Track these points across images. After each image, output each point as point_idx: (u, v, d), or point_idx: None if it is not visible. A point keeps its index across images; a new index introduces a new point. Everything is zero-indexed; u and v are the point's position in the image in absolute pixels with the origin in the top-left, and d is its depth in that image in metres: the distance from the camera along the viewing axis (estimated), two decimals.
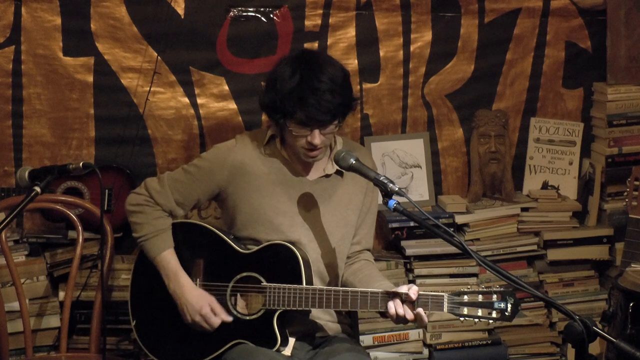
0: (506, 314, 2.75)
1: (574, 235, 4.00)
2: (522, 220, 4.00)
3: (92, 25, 3.76)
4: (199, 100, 3.87)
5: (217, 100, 3.88)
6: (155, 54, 3.78)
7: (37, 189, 2.80)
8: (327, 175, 3.12)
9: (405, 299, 2.82)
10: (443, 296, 2.79)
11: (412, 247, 3.87)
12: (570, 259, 4.01)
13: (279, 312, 2.95)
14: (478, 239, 3.95)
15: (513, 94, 4.07)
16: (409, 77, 3.99)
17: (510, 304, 2.75)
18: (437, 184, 4.07)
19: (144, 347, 3.12)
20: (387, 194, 2.81)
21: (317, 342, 3.10)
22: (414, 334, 3.83)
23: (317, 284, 3.05)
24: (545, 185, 4.12)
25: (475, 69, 4.02)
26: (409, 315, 2.82)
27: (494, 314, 2.76)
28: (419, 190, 4.03)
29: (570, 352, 3.92)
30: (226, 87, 3.88)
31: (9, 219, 2.73)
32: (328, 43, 3.90)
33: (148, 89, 3.78)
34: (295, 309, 2.94)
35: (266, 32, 3.85)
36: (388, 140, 4.00)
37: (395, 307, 2.82)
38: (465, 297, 2.77)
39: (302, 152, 3.00)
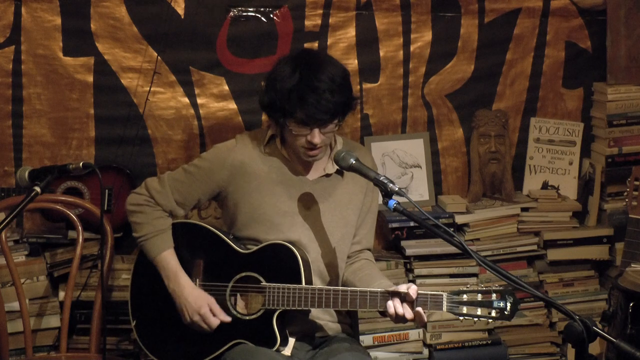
0: (505, 313, 2.75)
1: (574, 235, 4.00)
2: (522, 220, 3.99)
3: (92, 25, 3.76)
4: (199, 100, 3.87)
5: (217, 100, 3.88)
6: (155, 54, 3.78)
7: (37, 189, 2.80)
8: (328, 175, 3.12)
9: (405, 298, 2.82)
10: (442, 295, 2.79)
11: (412, 247, 3.87)
12: (570, 259, 4.01)
13: (278, 311, 2.95)
14: (478, 239, 3.95)
15: (513, 94, 4.07)
16: (409, 77, 3.99)
17: (510, 303, 2.75)
18: (437, 184, 4.07)
19: (144, 347, 3.13)
20: (387, 194, 2.81)
21: (317, 342, 3.10)
22: (414, 334, 3.83)
23: (318, 284, 3.06)
24: (545, 185, 4.12)
25: (475, 69, 4.02)
26: (408, 314, 2.82)
27: (493, 313, 2.76)
28: (419, 190, 4.03)
29: (570, 352, 3.92)
30: (226, 87, 3.88)
31: (9, 219, 2.73)
32: (328, 43, 3.90)
33: (148, 89, 3.78)
34: (294, 308, 2.94)
35: (266, 32, 3.85)
36: (388, 140, 4.00)
37: (394, 306, 2.82)
38: (465, 296, 2.77)
39: (302, 151, 3.00)
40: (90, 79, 3.80)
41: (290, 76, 2.92)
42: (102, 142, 3.84)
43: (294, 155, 3.09)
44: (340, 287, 2.94)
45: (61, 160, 3.81)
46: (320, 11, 3.88)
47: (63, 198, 3.50)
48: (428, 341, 3.83)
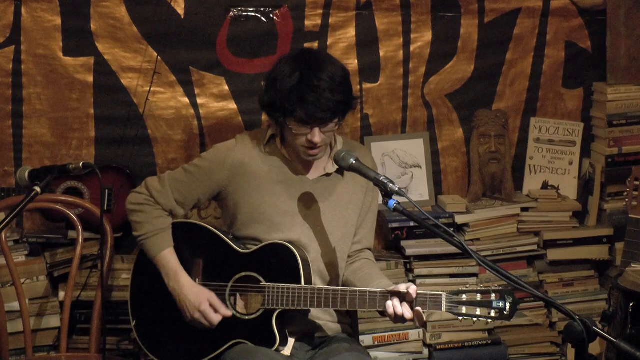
0: (505, 313, 2.75)
1: (574, 235, 4.00)
2: (522, 220, 3.99)
3: (92, 25, 3.76)
4: (199, 100, 3.87)
5: (217, 100, 3.88)
6: (155, 54, 3.78)
7: (37, 189, 2.80)
8: (328, 175, 3.12)
9: (404, 298, 2.82)
10: (441, 295, 2.79)
11: (412, 247, 3.87)
12: (570, 259, 4.01)
13: (278, 311, 2.95)
14: (478, 239, 3.95)
15: (513, 94, 4.07)
16: (409, 77, 3.99)
17: (509, 302, 2.75)
18: (437, 184, 4.07)
19: (144, 347, 3.13)
20: (387, 194, 2.81)
21: (316, 342, 3.10)
22: (414, 334, 3.83)
23: (318, 283, 3.06)
24: (545, 185, 4.11)
25: (475, 69, 4.02)
26: (408, 314, 2.82)
27: (492, 313, 2.75)
28: (419, 190, 4.03)
29: (570, 352, 3.92)
30: (226, 87, 3.88)
31: (9, 219, 2.73)
32: (328, 43, 3.90)
33: (148, 89, 3.78)
34: (294, 308, 2.94)
35: (266, 32, 3.86)
36: (388, 140, 4.00)
37: (393, 306, 2.82)
38: (464, 296, 2.77)
39: (302, 150, 3.00)
40: (90, 79, 3.80)
41: (291, 75, 2.93)
42: (102, 142, 3.84)
43: (294, 155, 3.09)
44: (340, 287, 2.94)
45: (61, 160, 3.81)
46: (320, 11, 3.88)
47: (63, 198, 3.50)
48: (428, 341, 3.83)
